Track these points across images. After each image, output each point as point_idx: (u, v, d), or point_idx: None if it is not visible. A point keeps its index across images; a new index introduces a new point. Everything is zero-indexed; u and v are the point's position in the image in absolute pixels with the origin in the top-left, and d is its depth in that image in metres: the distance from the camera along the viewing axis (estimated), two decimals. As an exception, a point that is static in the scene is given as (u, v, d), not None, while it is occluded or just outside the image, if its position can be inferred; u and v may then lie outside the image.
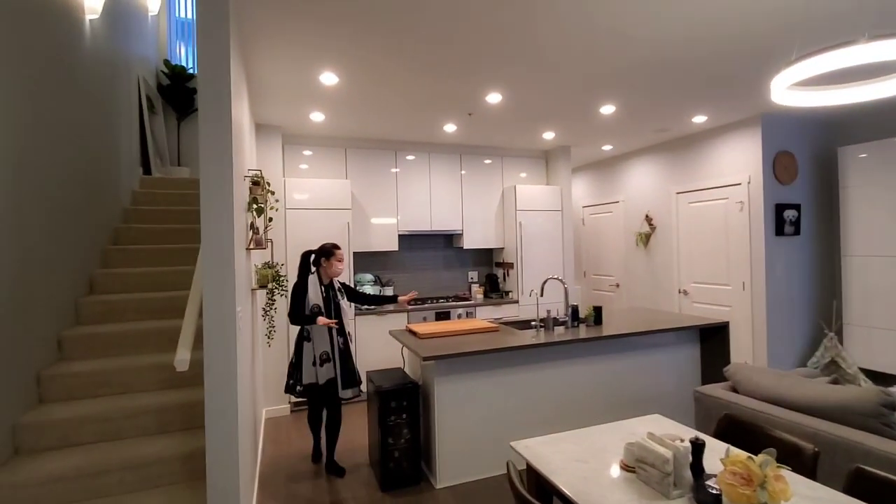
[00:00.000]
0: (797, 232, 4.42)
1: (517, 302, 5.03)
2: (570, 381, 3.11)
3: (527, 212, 5.11)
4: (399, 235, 4.89)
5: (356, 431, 3.69)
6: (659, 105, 3.82)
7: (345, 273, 4.28)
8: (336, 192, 4.37)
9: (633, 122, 4.35)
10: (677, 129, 4.66)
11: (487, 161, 5.30)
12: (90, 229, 3.04)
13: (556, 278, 3.42)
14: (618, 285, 5.96)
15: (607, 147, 5.46)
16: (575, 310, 3.33)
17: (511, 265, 5.18)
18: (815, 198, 4.56)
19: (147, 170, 4.40)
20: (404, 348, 3.02)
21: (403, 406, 2.82)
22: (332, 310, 3.06)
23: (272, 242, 3.62)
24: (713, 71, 3.04)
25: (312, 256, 3.12)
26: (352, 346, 3.20)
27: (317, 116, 3.88)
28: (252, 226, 2.63)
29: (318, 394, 2.99)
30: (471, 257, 5.54)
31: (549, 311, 3.31)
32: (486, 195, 5.29)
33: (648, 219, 5.45)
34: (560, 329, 3.26)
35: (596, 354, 3.18)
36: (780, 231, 4.32)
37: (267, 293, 3.32)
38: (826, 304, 4.59)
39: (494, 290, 5.25)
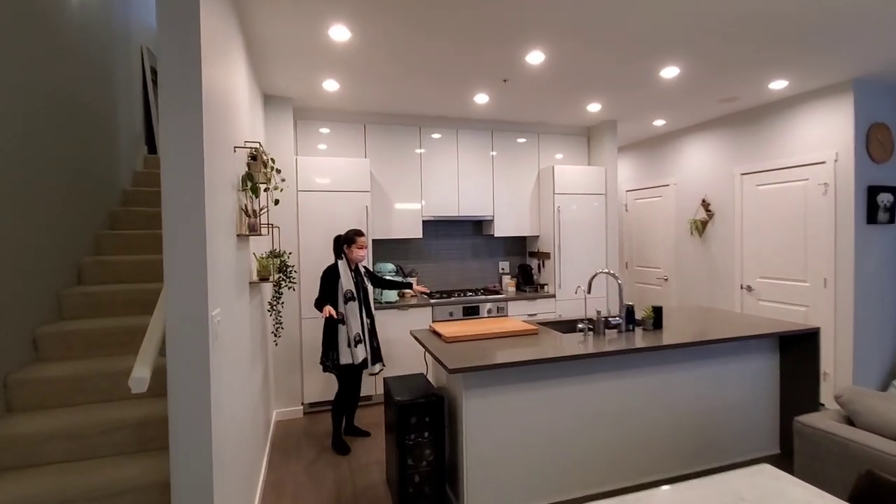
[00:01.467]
0: (892, 219, 3.72)
1: (554, 296, 4.52)
2: (624, 397, 2.60)
3: (566, 195, 4.55)
4: (423, 221, 4.43)
5: (371, 440, 3.30)
6: (733, 66, 3.18)
7: (366, 261, 3.86)
8: (354, 172, 3.93)
9: (698, 89, 3.71)
10: (748, 98, 3.99)
11: (521, 140, 4.75)
12: (80, 212, 2.71)
13: (608, 272, 2.89)
14: (666, 279, 5.34)
15: (659, 122, 4.81)
16: (630, 310, 2.80)
17: (547, 255, 4.65)
18: (915, 179, 3.83)
19: (153, 149, 4.07)
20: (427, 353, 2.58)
21: (426, 422, 2.39)
22: (361, 293, 3.15)
23: (276, 228, 3.22)
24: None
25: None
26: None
27: (331, 85, 3.43)
28: (247, 208, 2.21)
29: (354, 373, 3.13)
30: (502, 246, 5.03)
31: (598, 312, 2.80)
32: (520, 177, 4.75)
33: (705, 204, 4.80)
34: (612, 333, 2.75)
35: (657, 365, 2.65)
36: (872, 218, 3.64)
37: (273, 285, 2.93)
38: (924, 304, 3.89)
39: (528, 282, 4.74)
